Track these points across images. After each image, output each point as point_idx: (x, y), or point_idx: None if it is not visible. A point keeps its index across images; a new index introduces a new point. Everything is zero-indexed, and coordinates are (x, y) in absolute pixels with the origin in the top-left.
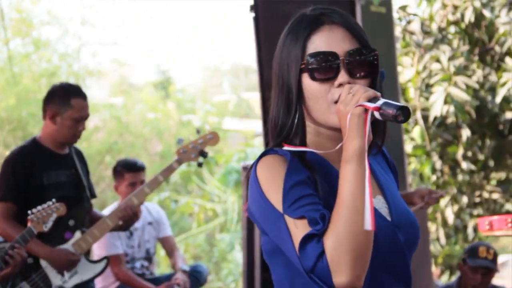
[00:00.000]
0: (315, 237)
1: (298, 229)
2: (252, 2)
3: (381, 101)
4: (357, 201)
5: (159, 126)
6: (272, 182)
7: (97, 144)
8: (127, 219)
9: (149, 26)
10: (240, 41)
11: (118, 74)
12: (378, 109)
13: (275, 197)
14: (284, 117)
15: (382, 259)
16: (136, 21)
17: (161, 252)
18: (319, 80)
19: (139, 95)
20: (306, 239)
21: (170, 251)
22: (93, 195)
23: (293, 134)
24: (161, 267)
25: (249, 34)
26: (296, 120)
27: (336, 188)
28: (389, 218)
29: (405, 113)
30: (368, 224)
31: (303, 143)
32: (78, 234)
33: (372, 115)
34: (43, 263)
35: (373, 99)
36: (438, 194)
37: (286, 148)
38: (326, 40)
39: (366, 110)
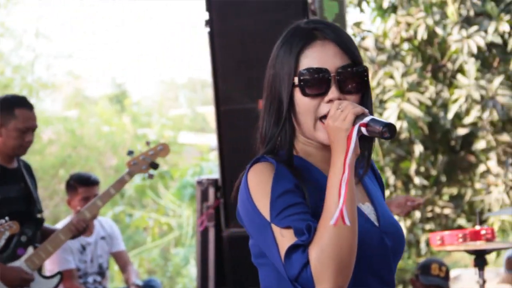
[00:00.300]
0: (300, 247)
1: (284, 238)
2: (207, 17)
3: (369, 117)
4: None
5: (114, 139)
6: (261, 189)
7: (50, 157)
8: (79, 233)
9: (104, 38)
10: (197, 54)
11: (72, 87)
12: (366, 125)
13: (263, 205)
14: (273, 127)
15: (369, 263)
16: (91, 33)
17: (115, 267)
18: (310, 96)
19: (94, 108)
20: (291, 249)
21: (123, 266)
22: (40, 210)
23: (282, 143)
24: (115, 281)
25: (205, 48)
26: (285, 132)
27: (323, 196)
28: (377, 224)
29: (391, 129)
30: (334, 220)
31: (290, 155)
32: (30, 250)
33: (360, 131)
34: None
35: (361, 115)
36: (416, 202)
37: (271, 157)
38: (319, 56)
39: (353, 125)
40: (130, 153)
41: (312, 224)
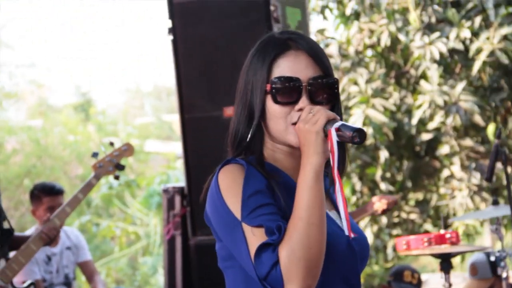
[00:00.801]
0: (270, 247)
1: (255, 236)
2: (170, 25)
3: (340, 122)
4: (312, 216)
5: (79, 148)
6: (232, 190)
7: (15, 167)
8: (51, 241)
9: (67, 47)
10: (161, 62)
11: (36, 96)
12: (337, 130)
13: (234, 205)
14: (244, 131)
15: (337, 266)
16: (54, 41)
17: (82, 277)
18: (281, 103)
19: (59, 118)
20: (261, 248)
21: (90, 276)
22: (5, 218)
23: (252, 147)
24: None
25: (170, 56)
26: (256, 136)
27: (293, 197)
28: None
29: (361, 135)
30: (346, 230)
31: (260, 158)
32: (2, 263)
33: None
34: None
35: (332, 120)
36: (390, 199)
37: (242, 158)
38: (291, 66)
39: (324, 128)
40: (95, 155)
41: (283, 224)
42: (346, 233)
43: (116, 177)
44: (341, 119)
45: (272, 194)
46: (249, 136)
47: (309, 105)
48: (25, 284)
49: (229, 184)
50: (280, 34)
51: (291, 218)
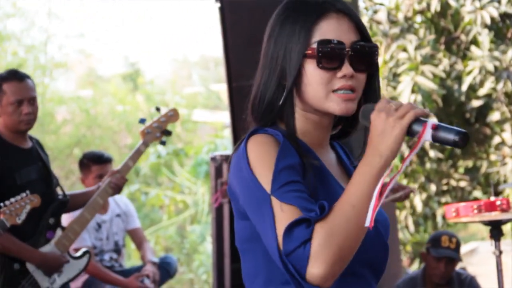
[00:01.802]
0: (305, 222)
1: (284, 212)
2: None
3: (432, 120)
4: (364, 206)
5: (128, 118)
6: (263, 161)
7: (65, 137)
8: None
9: (116, 17)
10: (209, 32)
11: (85, 66)
12: (434, 128)
13: (264, 177)
14: (272, 97)
15: (364, 250)
16: (102, 12)
17: (132, 245)
18: (325, 68)
19: (107, 88)
20: (296, 223)
21: (139, 243)
22: (58, 184)
23: (285, 116)
24: (132, 259)
25: (216, 25)
26: (289, 103)
27: (321, 178)
28: None
29: (464, 139)
30: (368, 221)
31: (294, 131)
32: (59, 232)
33: (414, 134)
34: (30, 267)
35: (420, 118)
36: (407, 190)
37: (275, 128)
38: (334, 29)
39: (411, 126)
40: (142, 121)
41: (326, 204)
42: (367, 224)
43: (163, 143)
44: (379, 93)
45: (303, 173)
46: (281, 102)
47: (350, 76)
48: (80, 252)
49: (260, 154)
50: None
51: (340, 201)
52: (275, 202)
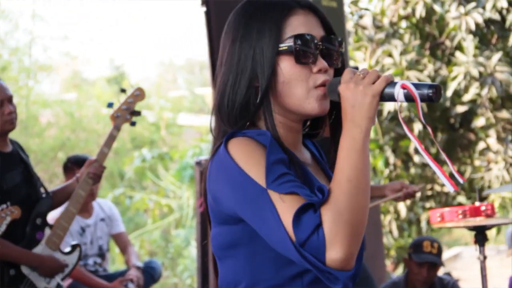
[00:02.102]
0: (311, 208)
1: (285, 203)
2: None
3: (402, 81)
4: (361, 179)
5: None
6: (252, 158)
7: (49, 140)
8: (96, 181)
9: (101, 20)
10: (195, 35)
11: (70, 69)
12: (407, 87)
13: (257, 173)
14: (244, 101)
15: None
16: (87, 15)
17: (116, 249)
18: (302, 64)
19: (92, 90)
20: (301, 210)
21: (124, 248)
22: (41, 184)
23: (255, 118)
24: (116, 263)
25: (202, 29)
26: (263, 105)
27: (304, 177)
28: None
29: (438, 91)
30: (451, 185)
31: (276, 130)
32: (48, 231)
33: (390, 97)
34: (26, 270)
35: (391, 82)
36: (412, 189)
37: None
38: (304, 23)
39: (383, 90)
40: (110, 105)
41: (324, 186)
42: (452, 188)
43: (133, 124)
44: None
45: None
46: (257, 103)
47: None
48: (70, 248)
49: (246, 153)
50: None
51: (335, 180)
52: (274, 194)
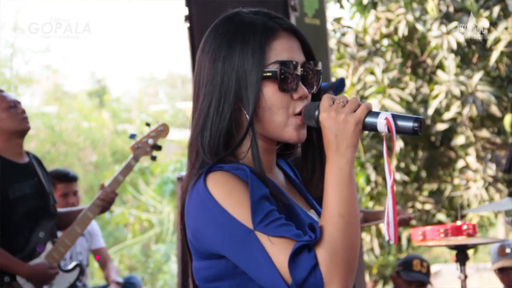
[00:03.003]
0: (305, 249)
1: (275, 245)
2: (186, 12)
3: (387, 112)
4: (352, 213)
5: (94, 135)
6: (234, 197)
7: None
8: (106, 209)
9: (84, 33)
10: (176, 50)
11: (51, 82)
12: (392, 120)
13: (241, 213)
14: (229, 127)
15: None
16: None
17: (95, 264)
18: (285, 91)
19: (73, 104)
20: (296, 252)
21: (103, 263)
22: (54, 201)
23: (248, 148)
24: (95, 278)
25: (184, 43)
26: (249, 133)
27: (283, 207)
28: None
29: (422, 125)
30: (392, 237)
31: (261, 163)
32: (49, 246)
33: (372, 127)
34: (21, 280)
35: (371, 111)
36: (406, 215)
37: (236, 162)
38: (287, 48)
39: (365, 119)
40: (133, 136)
41: (315, 224)
42: (392, 241)
43: (153, 158)
44: None
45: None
46: (240, 135)
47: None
48: (71, 266)
49: (228, 192)
50: (258, 15)
51: (325, 216)
52: (262, 236)
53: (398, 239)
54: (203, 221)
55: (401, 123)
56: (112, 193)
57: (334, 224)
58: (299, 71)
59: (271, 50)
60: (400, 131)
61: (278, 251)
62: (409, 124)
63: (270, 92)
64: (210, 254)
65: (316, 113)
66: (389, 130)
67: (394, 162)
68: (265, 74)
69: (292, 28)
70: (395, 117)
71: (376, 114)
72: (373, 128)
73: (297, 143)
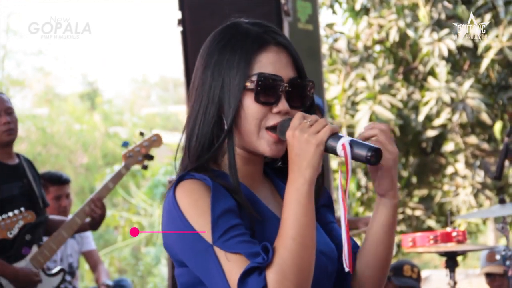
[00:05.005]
0: (256, 270)
1: (231, 262)
2: (179, 16)
3: (347, 138)
4: (306, 236)
5: (85, 137)
6: (197, 209)
7: None
8: (97, 218)
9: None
10: (169, 53)
11: (43, 84)
12: (344, 151)
13: (202, 226)
14: (211, 134)
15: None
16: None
17: (86, 266)
18: (261, 103)
19: (65, 106)
20: (247, 273)
21: (94, 265)
22: (46, 204)
23: (224, 155)
24: (85, 281)
25: (177, 47)
26: (227, 140)
27: (260, 212)
28: None
29: (377, 155)
30: (347, 264)
31: (235, 172)
32: (35, 249)
33: (333, 150)
34: (4, 281)
35: (336, 133)
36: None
37: (202, 173)
38: (274, 62)
39: (327, 141)
40: (125, 144)
41: (269, 246)
42: (347, 269)
43: (144, 167)
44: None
45: (240, 213)
46: (219, 141)
47: (286, 113)
48: (55, 270)
49: (192, 202)
50: (255, 26)
51: (280, 237)
52: (219, 252)
53: None
54: (169, 229)
55: (356, 150)
56: (99, 200)
57: (285, 246)
58: (282, 86)
59: (256, 62)
60: (355, 158)
61: (232, 268)
62: (363, 152)
63: (249, 102)
64: (181, 261)
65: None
66: (344, 155)
67: None
68: (246, 84)
69: (285, 43)
70: (353, 143)
71: (338, 138)
72: (333, 151)
73: (272, 157)
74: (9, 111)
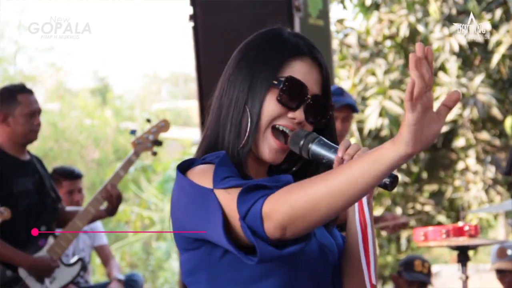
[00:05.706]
0: (260, 188)
1: (231, 194)
2: (191, 12)
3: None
4: (342, 193)
5: (96, 133)
6: (206, 173)
7: (32, 150)
8: (113, 201)
9: (87, 31)
10: (179, 48)
11: (54, 80)
12: None
13: (205, 179)
14: (235, 132)
15: (310, 269)
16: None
17: (97, 260)
18: (282, 103)
19: (76, 101)
20: (251, 188)
21: (106, 260)
22: (59, 198)
23: (243, 147)
24: (97, 275)
25: (188, 42)
26: (252, 135)
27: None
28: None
29: (394, 182)
30: (374, 280)
31: (249, 148)
32: (51, 240)
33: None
34: (23, 273)
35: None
36: (400, 222)
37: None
38: (305, 73)
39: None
40: (133, 132)
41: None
42: (368, 286)
43: (154, 153)
44: (336, 144)
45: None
46: (247, 134)
47: (300, 123)
48: (74, 260)
49: (203, 171)
50: (296, 37)
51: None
52: (219, 192)
53: (397, 239)
54: (179, 200)
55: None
56: (113, 187)
57: (313, 181)
58: (306, 96)
59: (289, 66)
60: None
61: (233, 198)
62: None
63: (270, 98)
64: (189, 242)
65: (302, 142)
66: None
67: None
68: (274, 81)
69: (321, 61)
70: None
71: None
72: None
73: (268, 161)
74: (40, 112)
